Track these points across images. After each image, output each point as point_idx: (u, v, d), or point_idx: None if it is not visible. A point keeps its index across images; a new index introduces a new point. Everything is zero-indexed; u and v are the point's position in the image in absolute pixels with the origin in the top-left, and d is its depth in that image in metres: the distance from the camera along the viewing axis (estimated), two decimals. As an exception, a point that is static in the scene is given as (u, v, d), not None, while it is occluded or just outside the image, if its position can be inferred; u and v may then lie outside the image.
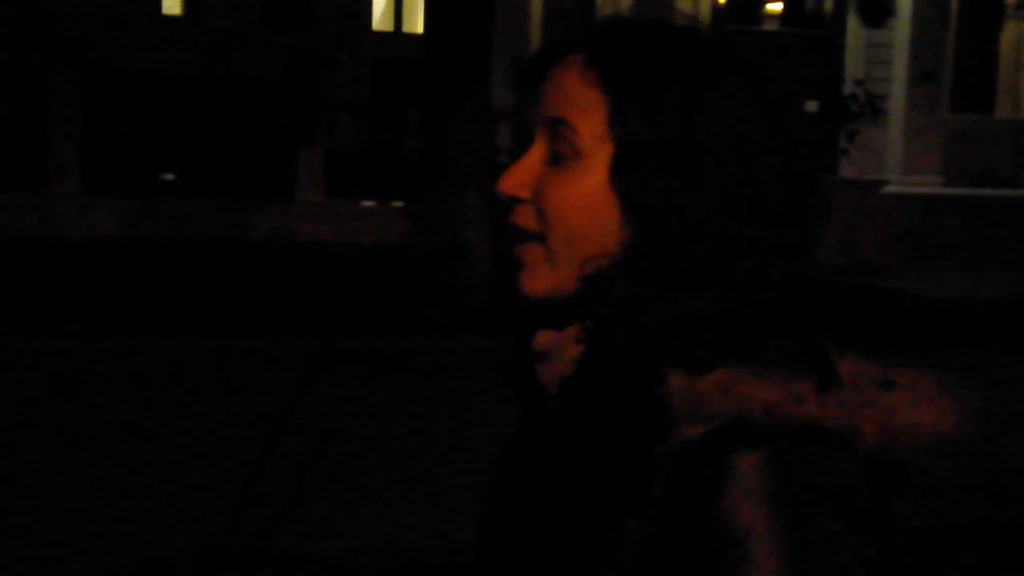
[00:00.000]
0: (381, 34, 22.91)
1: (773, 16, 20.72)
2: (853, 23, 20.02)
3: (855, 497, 0.95)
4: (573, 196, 1.05)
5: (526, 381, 1.12)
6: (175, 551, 4.49)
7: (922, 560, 4.51)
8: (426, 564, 4.53)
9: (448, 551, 4.52)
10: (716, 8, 19.88)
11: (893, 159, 19.97)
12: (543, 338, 1.09)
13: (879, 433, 0.97)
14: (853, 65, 20.09)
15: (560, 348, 1.07)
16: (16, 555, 4.60)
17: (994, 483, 5.83)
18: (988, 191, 18.52)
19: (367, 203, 16.50)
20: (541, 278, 1.07)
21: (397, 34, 23.18)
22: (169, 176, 16.42)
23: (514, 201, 1.09)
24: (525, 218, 1.08)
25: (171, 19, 21.74)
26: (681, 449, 0.96)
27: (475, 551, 1.18)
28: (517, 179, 1.09)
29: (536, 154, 1.09)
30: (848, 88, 18.38)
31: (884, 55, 20.18)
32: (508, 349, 1.15)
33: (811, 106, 18.39)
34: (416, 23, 22.44)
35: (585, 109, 1.05)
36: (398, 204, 15.95)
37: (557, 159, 1.07)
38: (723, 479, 0.93)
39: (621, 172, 1.03)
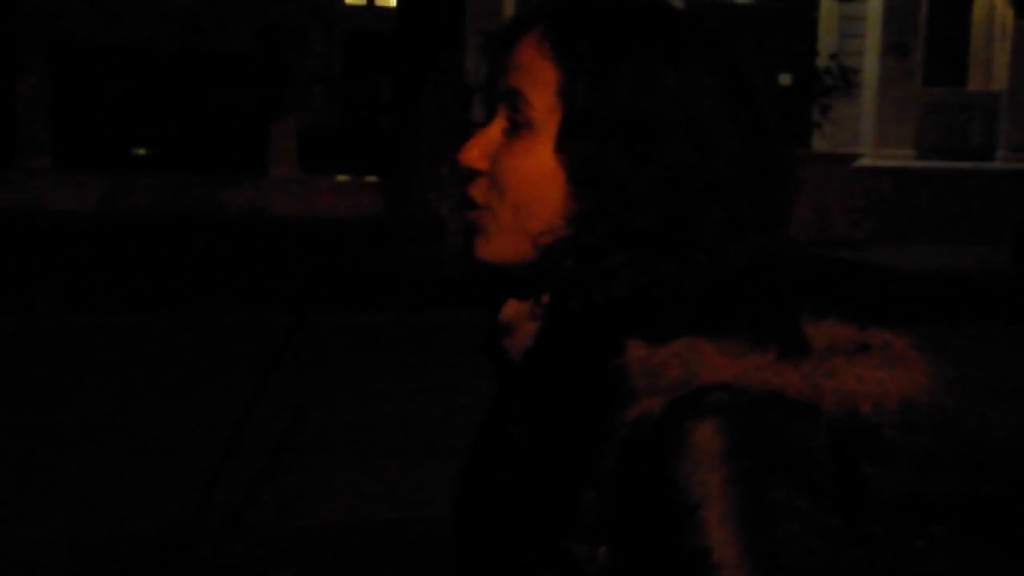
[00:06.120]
0: (354, 7, 22.77)
1: (747, -11, 20.66)
2: (826, -4, 20.04)
3: (813, 464, 0.95)
4: (523, 167, 1.06)
5: (496, 354, 1.13)
6: (148, 525, 4.49)
7: (890, 530, 4.56)
8: (399, 538, 4.55)
9: (422, 525, 4.54)
10: (690, -20, 19.82)
11: (866, 132, 20.04)
12: (508, 310, 1.10)
13: (842, 401, 0.98)
14: (826, 38, 20.11)
15: (521, 321, 1.09)
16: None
17: (965, 455, 5.88)
18: (960, 163, 18.61)
19: (340, 177, 16.43)
20: (492, 244, 1.08)
21: (370, 7, 23.03)
22: (141, 151, 16.30)
23: (473, 172, 1.10)
24: (479, 189, 1.09)
25: (141, -9, 21.48)
26: (638, 419, 0.97)
27: (452, 523, 1.19)
28: (477, 151, 1.09)
29: (496, 126, 1.09)
30: (821, 61, 18.41)
31: (857, 28, 20.22)
32: (486, 323, 1.16)
33: (785, 79, 18.42)
34: (389, -4, 22.29)
35: (538, 80, 1.06)
36: (371, 178, 15.89)
37: (512, 130, 1.08)
38: (678, 447, 0.94)
39: (565, 142, 1.04)
